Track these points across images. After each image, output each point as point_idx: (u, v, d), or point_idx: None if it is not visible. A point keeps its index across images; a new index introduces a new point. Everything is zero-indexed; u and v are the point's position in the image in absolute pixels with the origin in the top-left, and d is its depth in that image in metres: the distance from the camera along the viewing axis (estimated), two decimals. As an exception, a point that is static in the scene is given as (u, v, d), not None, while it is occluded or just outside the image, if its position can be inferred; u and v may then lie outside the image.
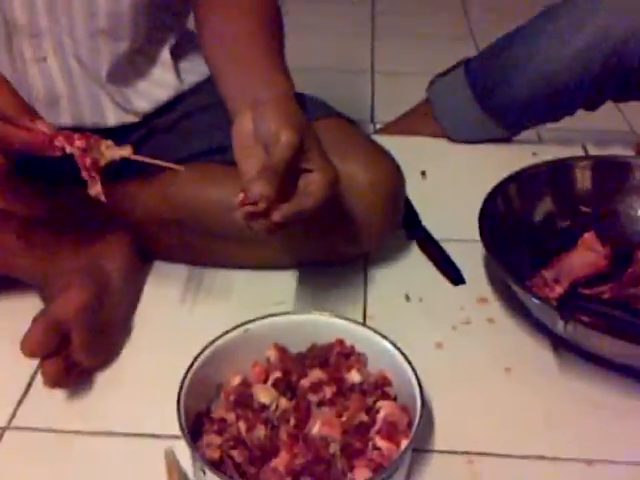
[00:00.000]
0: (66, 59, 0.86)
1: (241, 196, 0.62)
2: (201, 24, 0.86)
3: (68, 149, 0.66)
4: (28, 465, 0.68)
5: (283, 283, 0.91)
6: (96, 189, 0.68)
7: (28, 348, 0.71)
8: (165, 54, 0.94)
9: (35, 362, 0.75)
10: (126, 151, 0.69)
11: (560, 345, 0.82)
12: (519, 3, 1.43)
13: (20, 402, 0.75)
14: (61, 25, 0.83)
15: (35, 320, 0.72)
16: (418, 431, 0.62)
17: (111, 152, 0.68)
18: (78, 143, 0.66)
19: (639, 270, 0.87)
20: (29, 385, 0.76)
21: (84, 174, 0.68)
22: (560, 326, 0.75)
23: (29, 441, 0.71)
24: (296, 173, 0.66)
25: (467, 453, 0.70)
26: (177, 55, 0.95)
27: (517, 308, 0.87)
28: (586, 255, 0.87)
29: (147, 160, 0.70)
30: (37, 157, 0.71)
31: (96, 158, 0.67)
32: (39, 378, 0.75)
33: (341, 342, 0.72)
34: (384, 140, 0.92)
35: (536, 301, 0.78)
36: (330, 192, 0.67)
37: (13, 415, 0.73)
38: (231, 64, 0.79)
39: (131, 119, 0.91)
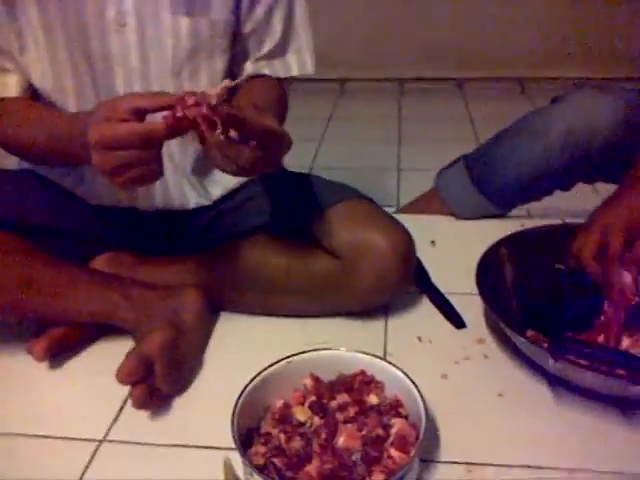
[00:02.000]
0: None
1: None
2: None
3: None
4: (119, 471, 0.68)
5: (321, 327, 0.90)
6: (218, 132, 0.61)
7: (122, 377, 0.72)
8: None
9: (126, 388, 0.75)
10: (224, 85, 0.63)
11: (551, 378, 0.78)
12: (512, 113, 1.40)
13: (114, 420, 0.75)
14: None
15: (127, 355, 0.74)
16: (423, 444, 0.60)
17: (213, 91, 0.62)
18: (190, 101, 0.61)
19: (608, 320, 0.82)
20: (122, 407, 0.77)
21: (203, 127, 0.61)
22: (551, 364, 0.72)
23: (120, 451, 0.71)
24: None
25: (467, 463, 0.67)
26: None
27: (506, 347, 0.84)
28: None
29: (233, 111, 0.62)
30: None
31: (209, 103, 0.61)
32: (129, 401, 0.76)
33: (363, 372, 0.71)
34: (403, 218, 0.92)
35: (529, 344, 0.75)
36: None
37: (108, 430, 0.73)
38: None
39: (206, 202, 0.93)
